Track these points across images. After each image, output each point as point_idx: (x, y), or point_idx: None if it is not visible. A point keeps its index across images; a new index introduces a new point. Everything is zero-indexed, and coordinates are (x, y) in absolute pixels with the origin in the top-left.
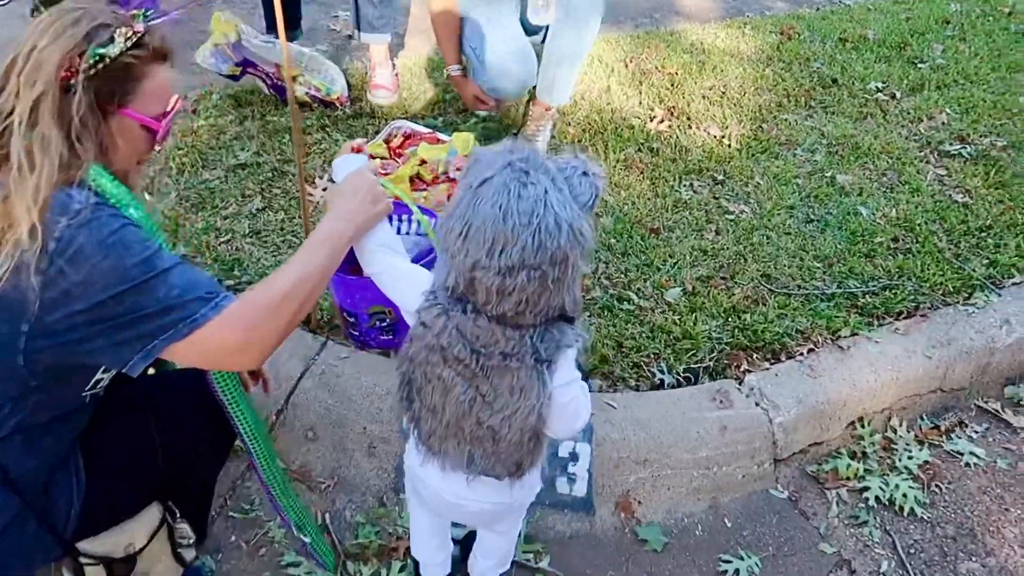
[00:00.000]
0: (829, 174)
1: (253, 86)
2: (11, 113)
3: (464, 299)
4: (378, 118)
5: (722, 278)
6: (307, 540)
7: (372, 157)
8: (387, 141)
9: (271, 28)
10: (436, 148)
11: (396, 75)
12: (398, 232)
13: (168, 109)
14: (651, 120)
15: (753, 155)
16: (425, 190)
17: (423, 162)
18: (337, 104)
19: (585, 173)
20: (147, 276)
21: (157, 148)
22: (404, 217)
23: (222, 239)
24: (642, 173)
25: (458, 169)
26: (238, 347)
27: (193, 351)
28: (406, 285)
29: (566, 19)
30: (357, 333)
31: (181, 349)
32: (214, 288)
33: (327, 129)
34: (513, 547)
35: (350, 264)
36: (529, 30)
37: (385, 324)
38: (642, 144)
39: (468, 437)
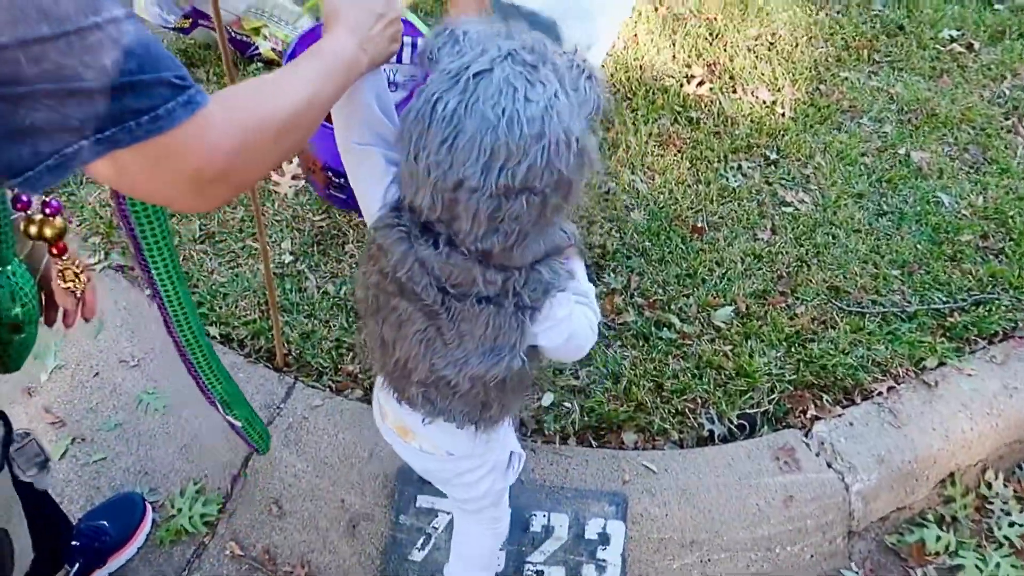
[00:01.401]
0: (902, 150)
1: (208, 38)
2: None
3: (432, 227)
4: None
5: (781, 292)
6: (237, 424)
7: None
8: None
9: None
10: None
11: None
12: (399, 60)
13: None
14: (688, 81)
15: (811, 126)
16: None
17: None
18: None
19: (590, 76)
20: (87, 22)
21: None
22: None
23: None
24: (680, 152)
25: None
26: (213, 176)
27: (136, 169)
28: (376, 186)
29: None
30: (344, 197)
31: (120, 163)
32: (183, 72)
33: None
34: (494, 555)
35: None
36: None
37: None
38: (679, 113)
39: (423, 378)
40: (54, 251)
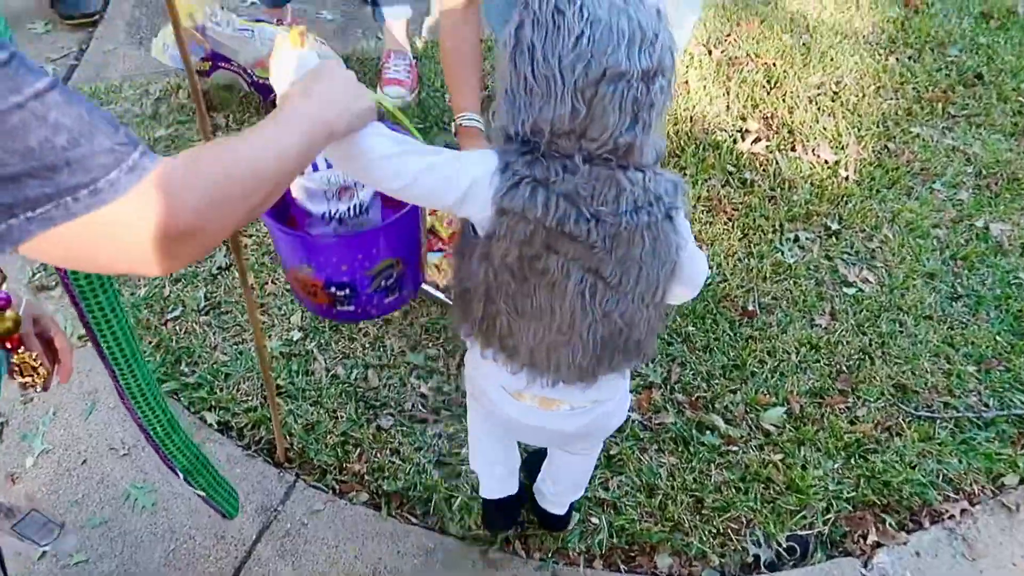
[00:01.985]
0: (979, 222)
1: (231, 80)
2: None
3: (558, 151)
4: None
5: (840, 391)
6: (199, 493)
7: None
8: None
9: None
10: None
11: (414, 65)
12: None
13: None
14: (743, 137)
15: (877, 191)
16: (443, 251)
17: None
18: None
19: None
20: (5, 105)
21: None
22: None
23: (169, 315)
24: (731, 220)
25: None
26: (179, 235)
27: (84, 243)
28: (461, 177)
29: None
30: (352, 308)
31: (63, 239)
32: (125, 136)
33: None
34: (590, 473)
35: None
36: None
37: (391, 281)
38: (731, 174)
39: (589, 336)
40: (7, 345)
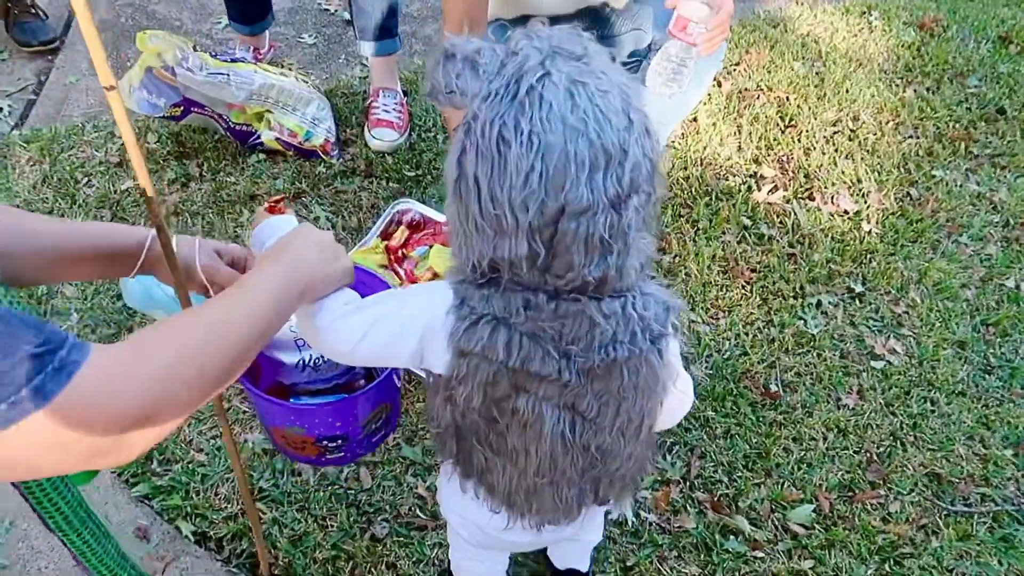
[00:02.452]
0: (1010, 281)
1: (204, 123)
2: None
3: (521, 284)
4: (379, 176)
5: (871, 483)
6: None
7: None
8: (386, 234)
9: (235, 17)
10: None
11: (404, 104)
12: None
13: None
14: (758, 185)
15: (902, 247)
16: None
17: (436, 276)
18: (320, 153)
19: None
20: None
21: None
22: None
23: None
24: (749, 284)
25: None
26: (129, 425)
27: (15, 451)
28: (412, 327)
29: None
30: (342, 455)
31: None
32: (48, 335)
33: (304, 197)
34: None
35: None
36: None
37: (380, 422)
38: (747, 228)
39: (573, 472)
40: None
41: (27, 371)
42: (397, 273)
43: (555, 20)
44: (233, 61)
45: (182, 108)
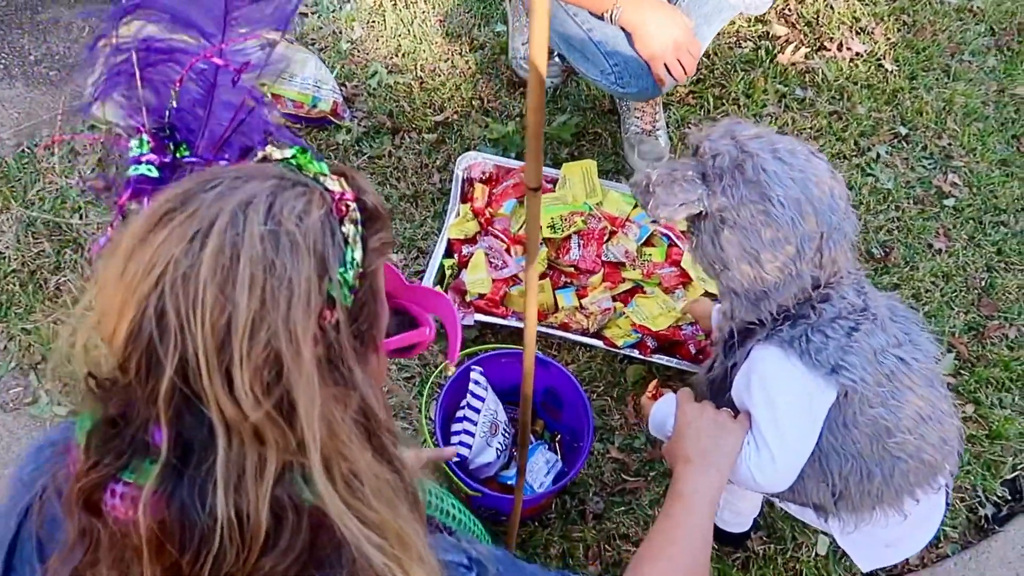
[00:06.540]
0: (1020, 88)
1: None
2: None
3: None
4: (407, 130)
5: (987, 317)
6: None
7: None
8: (465, 198)
9: None
10: (559, 205)
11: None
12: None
13: None
14: (775, 46)
15: (920, 78)
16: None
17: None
18: (332, 119)
19: None
20: None
21: None
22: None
23: None
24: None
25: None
26: None
27: None
28: (801, 408)
29: None
30: None
31: None
32: None
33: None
34: None
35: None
36: None
37: None
38: (784, 95)
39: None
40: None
41: None
42: (497, 237)
43: None
44: None
45: None
